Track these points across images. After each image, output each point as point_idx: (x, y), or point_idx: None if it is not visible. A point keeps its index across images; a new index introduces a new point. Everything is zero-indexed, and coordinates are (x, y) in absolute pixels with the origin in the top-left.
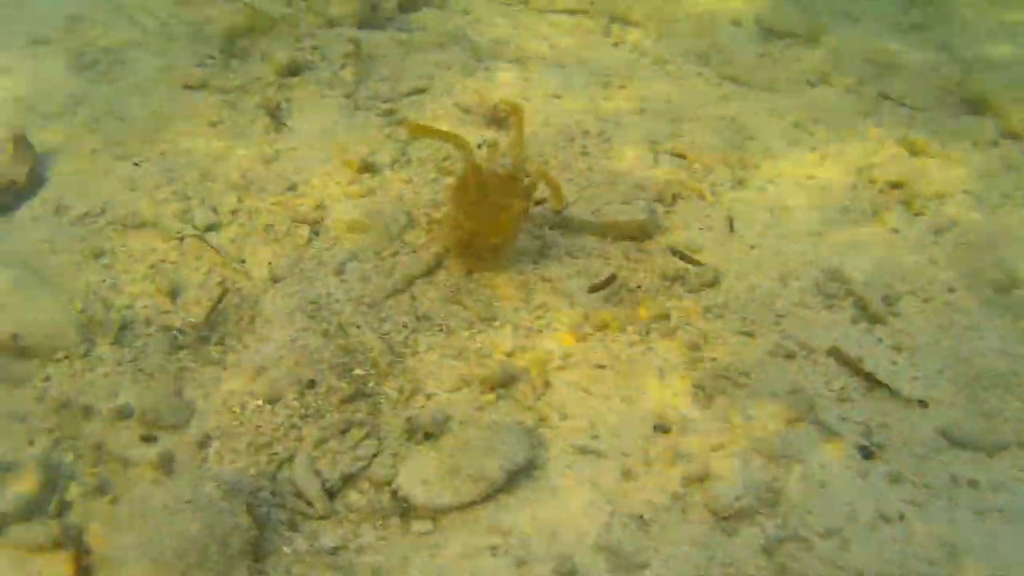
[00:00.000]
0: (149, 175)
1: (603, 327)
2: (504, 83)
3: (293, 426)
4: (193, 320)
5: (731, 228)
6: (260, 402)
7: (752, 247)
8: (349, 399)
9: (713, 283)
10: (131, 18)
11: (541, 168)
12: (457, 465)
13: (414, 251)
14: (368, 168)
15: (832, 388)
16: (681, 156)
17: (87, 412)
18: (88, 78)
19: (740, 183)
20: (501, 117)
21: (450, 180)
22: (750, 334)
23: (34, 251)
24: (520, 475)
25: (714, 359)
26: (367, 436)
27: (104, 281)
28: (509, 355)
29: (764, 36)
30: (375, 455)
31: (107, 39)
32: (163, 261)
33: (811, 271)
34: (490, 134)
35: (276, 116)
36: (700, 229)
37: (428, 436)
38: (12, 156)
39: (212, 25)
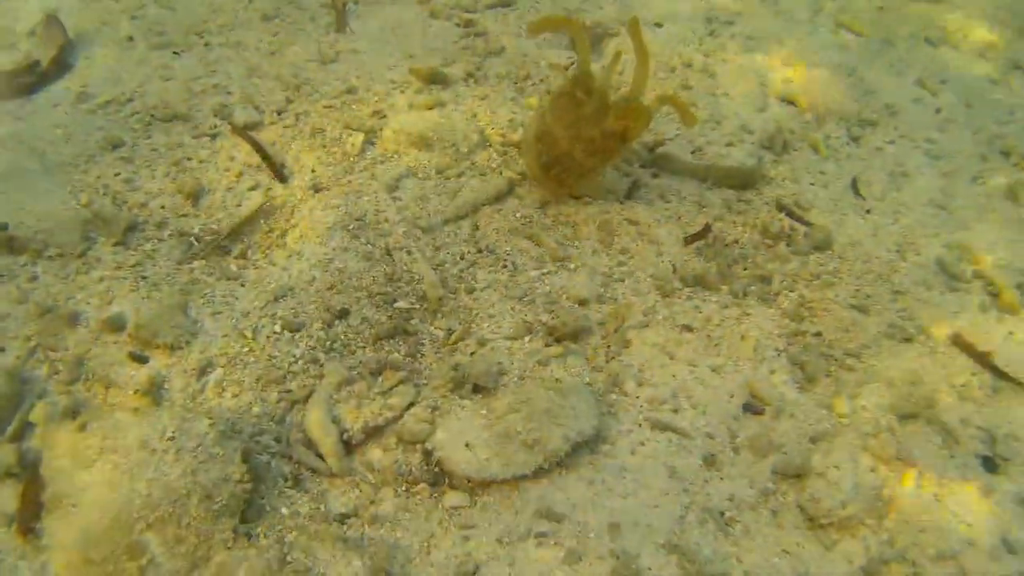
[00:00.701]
0: (188, 66)
1: (694, 283)
2: (596, 3)
3: (314, 360)
4: (215, 227)
5: (855, 190)
6: (279, 328)
7: (868, 212)
8: (386, 335)
9: (823, 246)
10: None
11: (664, 92)
12: (510, 429)
13: (483, 174)
14: (439, 79)
15: (954, 383)
16: (792, 102)
17: (73, 320)
18: None
19: (856, 140)
20: (594, 38)
21: (532, 100)
22: (863, 309)
23: (44, 136)
24: (583, 449)
25: (819, 334)
26: (403, 381)
27: (118, 175)
28: (582, 303)
29: None
30: (410, 405)
31: None
32: (189, 158)
33: (934, 246)
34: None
35: (342, 15)
36: (811, 184)
37: (478, 389)
38: (40, 36)
39: None
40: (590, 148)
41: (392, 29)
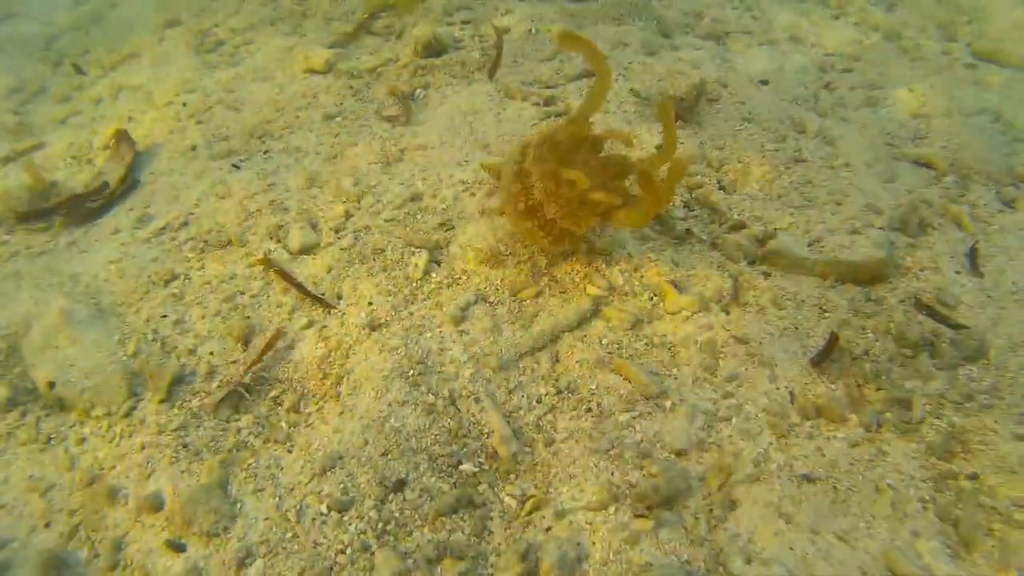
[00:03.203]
0: (245, 180)
1: (815, 415)
2: (694, 64)
3: (364, 548)
4: (267, 375)
5: (973, 265)
6: (325, 508)
7: None
8: (448, 509)
9: (976, 355)
10: None
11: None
12: None
13: (564, 291)
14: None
15: None
16: (928, 165)
17: (113, 495)
18: (208, 61)
19: (1011, 203)
20: (690, 109)
21: None
22: None
23: (100, 275)
24: None
25: (975, 476)
26: (464, 573)
27: (166, 317)
28: (680, 455)
29: None
30: None
31: (236, 19)
32: (241, 293)
33: None
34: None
35: (406, 104)
36: (957, 272)
37: None
38: (111, 154)
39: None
40: (565, 210)
41: (464, 116)
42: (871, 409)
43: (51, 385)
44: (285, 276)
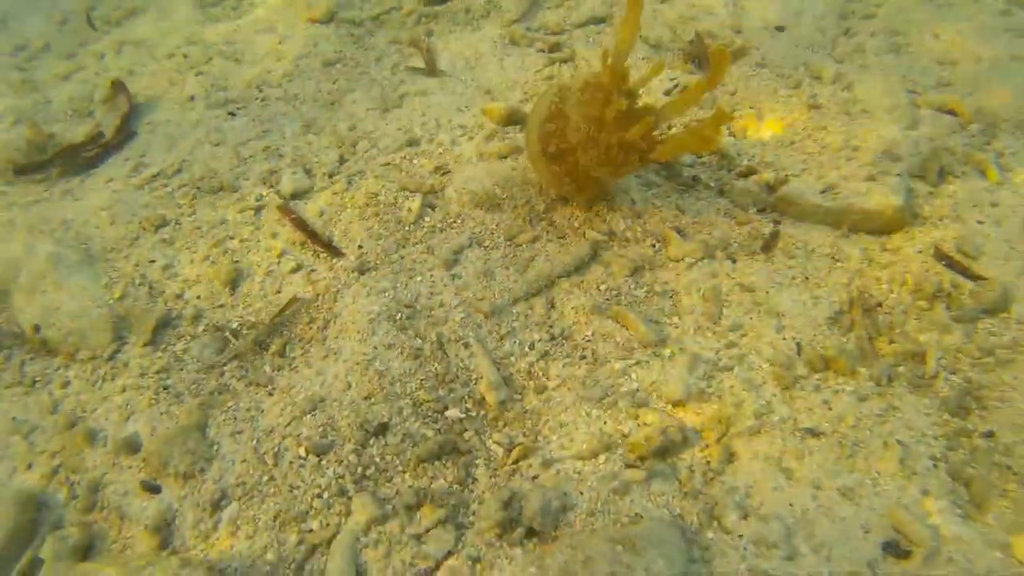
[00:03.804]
0: (240, 127)
1: (823, 368)
2: (710, 9)
3: (342, 491)
4: (252, 318)
5: None
6: (303, 450)
7: None
8: (432, 456)
9: (996, 308)
10: None
11: (721, 109)
12: None
13: (561, 237)
14: (516, 118)
15: None
16: (952, 112)
17: (93, 437)
18: (212, 15)
19: None
20: (702, 54)
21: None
22: None
23: (91, 221)
24: None
25: (991, 434)
26: (444, 521)
27: (154, 262)
28: (678, 405)
29: None
30: (448, 555)
31: None
32: (231, 237)
33: None
34: (683, 77)
35: (429, 60)
36: (979, 223)
37: (532, 534)
38: (108, 105)
39: None
40: (603, 156)
41: (466, 61)
42: (883, 362)
43: (36, 328)
44: (298, 223)
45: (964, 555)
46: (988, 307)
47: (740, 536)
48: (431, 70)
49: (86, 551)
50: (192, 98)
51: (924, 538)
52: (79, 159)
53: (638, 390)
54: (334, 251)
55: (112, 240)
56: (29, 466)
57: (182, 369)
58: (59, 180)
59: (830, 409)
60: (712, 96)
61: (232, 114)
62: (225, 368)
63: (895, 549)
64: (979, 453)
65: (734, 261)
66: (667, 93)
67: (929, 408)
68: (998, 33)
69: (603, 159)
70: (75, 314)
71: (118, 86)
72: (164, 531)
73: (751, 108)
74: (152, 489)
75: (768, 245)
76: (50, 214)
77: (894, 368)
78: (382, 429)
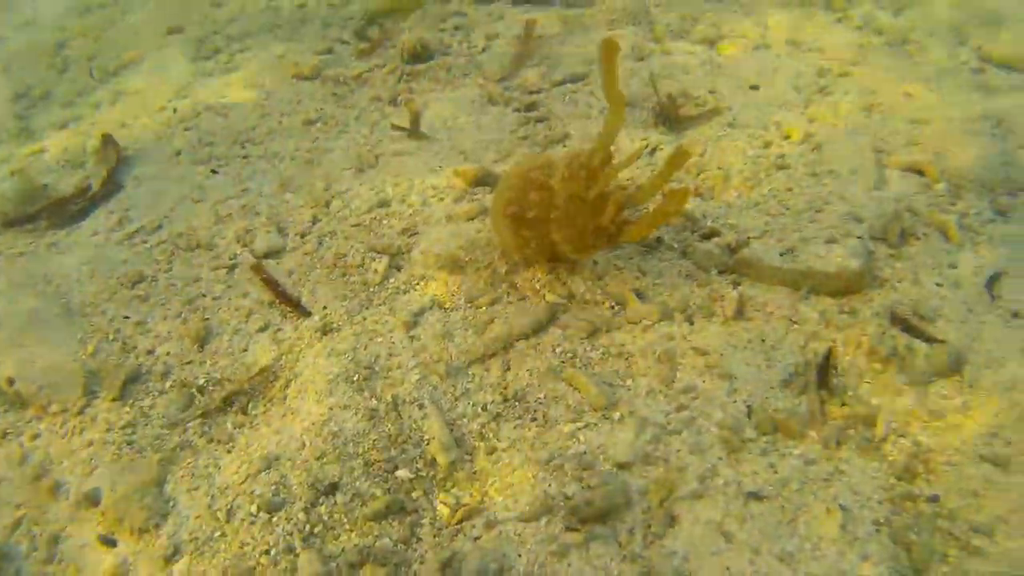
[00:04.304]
0: (220, 185)
1: (772, 431)
2: (683, 68)
3: (289, 548)
4: (218, 375)
5: (990, 290)
6: (255, 508)
7: (1016, 316)
8: (378, 515)
9: (951, 371)
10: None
11: (680, 191)
12: None
13: (523, 298)
14: (487, 180)
15: None
16: (919, 172)
17: (56, 490)
18: (204, 68)
19: (1004, 215)
20: (675, 114)
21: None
22: (1000, 463)
23: (72, 276)
24: None
25: (935, 499)
26: None
27: (128, 318)
28: (623, 468)
29: None
30: None
31: (235, 26)
32: (204, 295)
33: None
34: (656, 136)
35: (415, 122)
36: (938, 285)
37: None
38: (96, 157)
39: (353, 5)
40: (575, 236)
41: (443, 121)
42: (833, 425)
43: (11, 381)
44: (269, 281)
45: None
46: (941, 370)
47: None
48: (414, 131)
49: None
50: (179, 153)
51: None
52: (67, 212)
53: (585, 453)
54: (302, 311)
55: (91, 295)
56: None
57: (147, 425)
58: (47, 232)
59: (775, 472)
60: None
61: (214, 171)
62: (189, 425)
63: None
64: (923, 518)
65: (691, 323)
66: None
67: (876, 472)
68: (970, 91)
69: (574, 238)
70: (49, 368)
71: (107, 140)
72: None
73: (719, 168)
74: (109, 543)
75: (739, 311)
76: (33, 268)
77: (844, 431)
78: (332, 489)
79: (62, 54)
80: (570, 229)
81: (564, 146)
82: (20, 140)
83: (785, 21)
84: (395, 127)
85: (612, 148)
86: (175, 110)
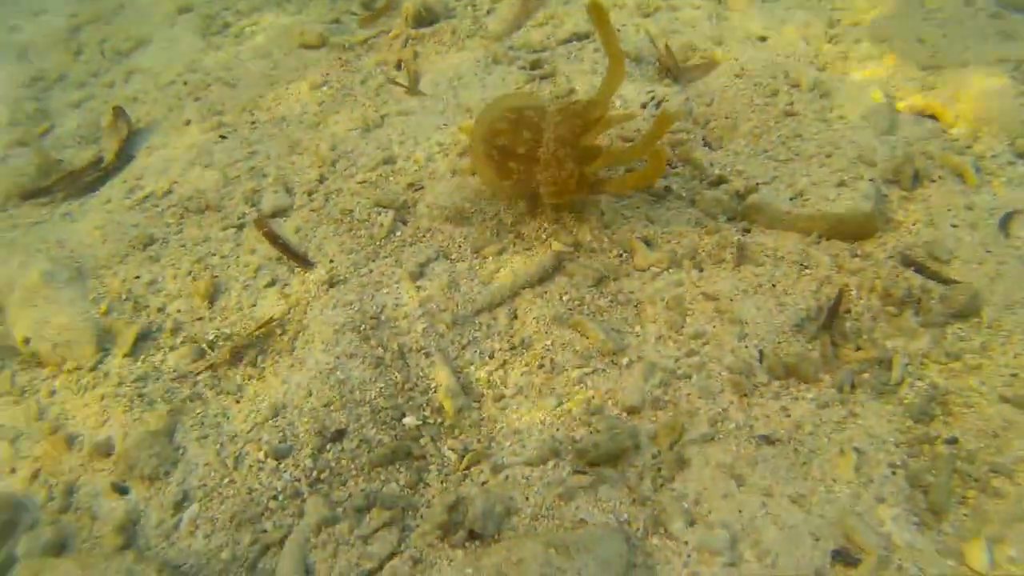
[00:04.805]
0: (229, 149)
1: (785, 375)
2: (690, 23)
3: (296, 494)
4: (228, 331)
5: (1004, 229)
6: (262, 455)
7: None
8: (385, 461)
9: (966, 312)
10: None
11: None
12: None
13: (529, 248)
14: None
15: None
16: (932, 115)
17: (71, 442)
18: (213, 43)
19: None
20: (679, 67)
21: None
22: (1021, 404)
23: (85, 240)
24: None
25: (954, 440)
26: (390, 523)
27: (139, 278)
28: (632, 412)
29: None
30: (391, 556)
31: (246, 1)
32: (212, 254)
33: None
34: (662, 89)
35: (412, 79)
36: (953, 226)
37: (473, 537)
38: (107, 130)
39: None
40: (558, 178)
41: (448, 81)
42: (847, 369)
43: (26, 341)
44: (271, 236)
45: (915, 563)
46: (957, 311)
47: (685, 543)
48: (412, 88)
49: (59, 549)
50: (188, 122)
51: (874, 546)
52: (80, 183)
53: (592, 397)
54: (305, 263)
55: (103, 258)
56: (12, 470)
57: (158, 378)
58: (61, 203)
59: (788, 416)
60: (688, 109)
61: (223, 137)
62: (199, 378)
63: (844, 557)
64: (940, 460)
65: (701, 270)
66: (643, 105)
67: (892, 415)
68: (987, 36)
69: (556, 182)
70: (63, 327)
71: (118, 112)
72: (129, 531)
73: (726, 118)
74: (121, 491)
75: (740, 259)
76: (47, 234)
77: (858, 375)
78: (339, 435)
79: (76, 39)
80: (554, 172)
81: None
82: (35, 120)
83: None
84: (393, 82)
85: (614, 101)
86: (185, 83)
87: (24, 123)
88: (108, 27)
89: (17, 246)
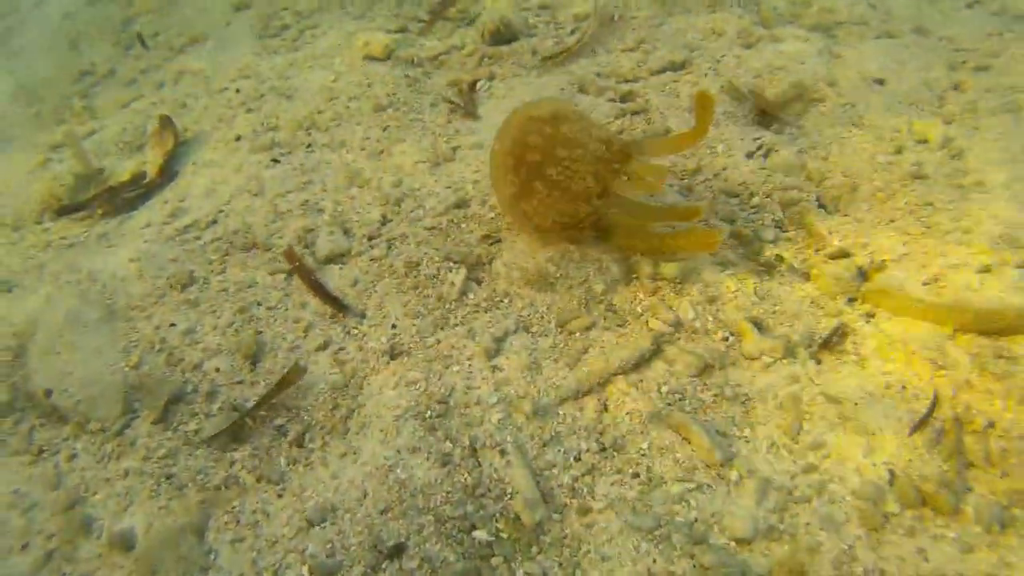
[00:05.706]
0: (282, 176)
1: (917, 503)
2: (797, 58)
3: None
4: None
5: None
6: (306, 570)
7: None
8: None
9: None
10: None
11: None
12: None
13: (622, 324)
14: None
15: None
16: None
17: (88, 525)
18: (270, 46)
19: None
20: (772, 111)
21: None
22: None
23: (118, 273)
24: None
25: None
26: None
27: (174, 325)
28: (743, 544)
29: None
30: None
31: (306, 1)
32: (258, 303)
33: None
34: (768, 136)
35: (469, 99)
36: None
37: None
38: (152, 139)
39: None
40: (569, 205)
41: None
42: (991, 501)
43: (48, 393)
44: (302, 271)
45: None
46: None
47: None
48: (468, 112)
49: None
50: (239, 138)
51: None
52: (120, 200)
53: (696, 521)
54: (341, 307)
55: (137, 296)
56: (24, 547)
57: (190, 455)
58: (100, 220)
59: (927, 560)
60: (801, 162)
61: (276, 160)
62: (236, 456)
63: None
64: None
65: (818, 362)
66: (749, 155)
67: None
68: None
69: (567, 208)
70: (88, 381)
71: (165, 122)
72: None
73: (844, 176)
74: None
75: (828, 343)
76: (80, 262)
77: (1007, 509)
78: (397, 551)
79: (129, 30)
80: (568, 201)
81: None
82: (81, 119)
83: (908, 4)
84: (450, 103)
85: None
86: (238, 91)
87: (69, 121)
88: (163, 20)
89: (46, 273)
